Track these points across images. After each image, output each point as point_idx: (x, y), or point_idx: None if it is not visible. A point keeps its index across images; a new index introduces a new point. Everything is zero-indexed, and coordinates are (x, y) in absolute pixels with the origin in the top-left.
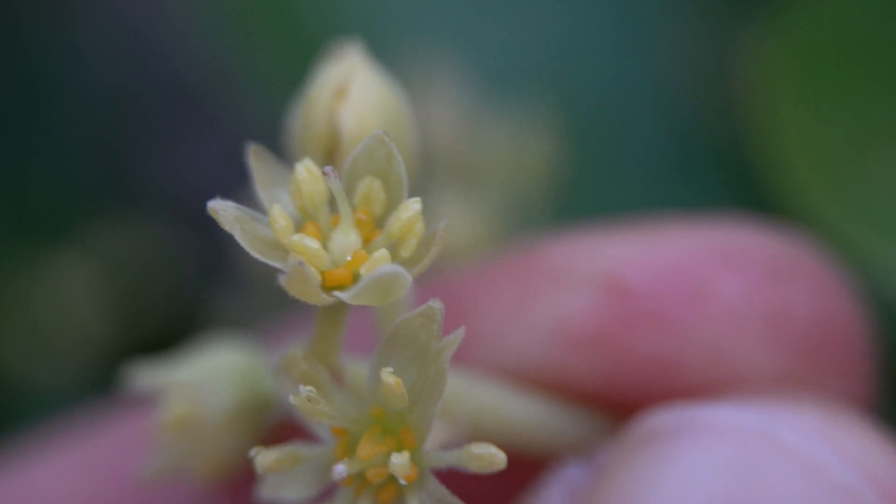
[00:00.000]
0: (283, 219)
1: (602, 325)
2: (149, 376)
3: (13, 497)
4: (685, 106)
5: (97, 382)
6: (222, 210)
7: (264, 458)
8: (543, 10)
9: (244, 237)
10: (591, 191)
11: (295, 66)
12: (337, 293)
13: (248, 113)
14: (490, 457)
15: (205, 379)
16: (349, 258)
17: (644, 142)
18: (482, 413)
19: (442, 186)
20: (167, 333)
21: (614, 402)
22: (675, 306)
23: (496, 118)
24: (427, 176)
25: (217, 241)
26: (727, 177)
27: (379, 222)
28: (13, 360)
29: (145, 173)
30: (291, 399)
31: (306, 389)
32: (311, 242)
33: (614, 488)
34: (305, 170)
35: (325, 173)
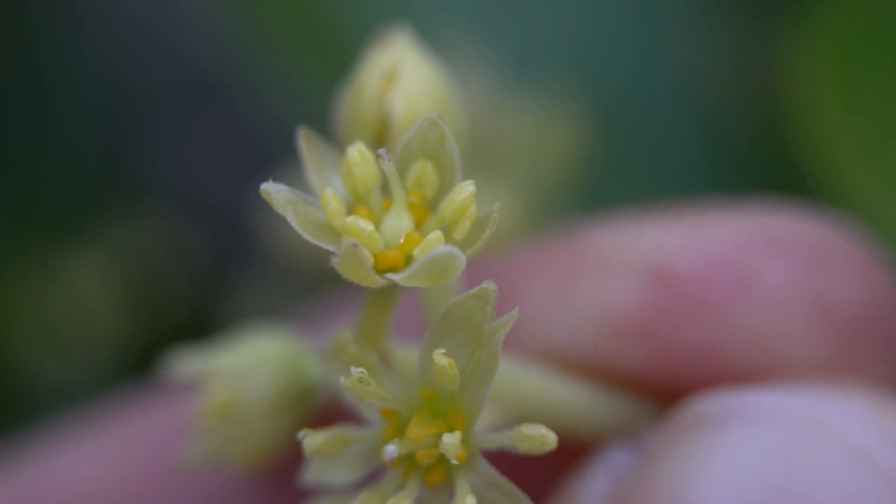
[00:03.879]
0: (335, 201)
1: (648, 313)
2: (189, 363)
3: (42, 482)
4: (711, 95)
5: (113, 378)
6: (275, 193)
7: (312, 439)
8: (571, 1)
9: (296, 220)
10: (617, 178)
11: (306, 59)
12: (390, 275)
13: (259, 105)
14: (541, 437)
15: (246, 366)
16: (402, 240)
17: (669, 130)
18: (528, 397)
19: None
20: (182, 328)
21: (659, 389)
22: (721, 294)
23: (522, 105)
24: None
25: (229, 234)
26: (753, 167)
27: (430, 206)
28: (28, 356)
29: (157, 167)
30: (342, 381)
31: (358, 371)
32: (364, 224)
33: (662, 472)
34: (358, 153)
35: (378, 156)
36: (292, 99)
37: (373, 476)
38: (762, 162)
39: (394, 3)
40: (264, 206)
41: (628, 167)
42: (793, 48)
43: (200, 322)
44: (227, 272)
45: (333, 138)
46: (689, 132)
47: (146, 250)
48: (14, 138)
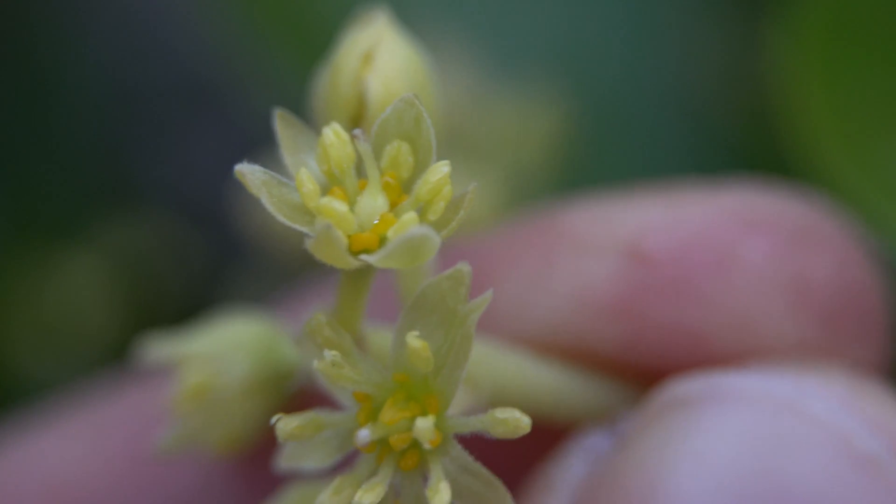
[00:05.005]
0: (310, 182)
1: (625, 293)
2: (163, 348)
3: (14, 470)
4: (698, 90)
5: (101, 376)
6: (249, 174)
7: (285, 424)
8: None
9: (271, 201)
10: (601, 172)
11: (302, 59)
12: (364, 256)
13: (254, 108)
14: (514, 421)
15: (220, 350)
16: (376, 221)
17: (656, 125)
18: (504, 380)
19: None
20: (177, 328)
21: (637, 371)
22: (699, 273)
23: (504, 97)
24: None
25: (224, 236)
26: (739, 162)
27: (406, 186)
28: (22, 356)
29: (152, 169)
30: (315, 364)
31: (331, 354)
32: (338, 205)
33: (638, 456)
34: (333, 133)
35: (354, 136)
36: (287, 102)
37: (347, 461)
38: (749, 157)
39: (385, 2)
40: (242, 189)
41: (613, 163)
42: (779, 42)
43: (193, 321)
44: (223, 273)
45: (311, 120)
46: (675, 127)
47: (141, 252)
48: (10, 141)
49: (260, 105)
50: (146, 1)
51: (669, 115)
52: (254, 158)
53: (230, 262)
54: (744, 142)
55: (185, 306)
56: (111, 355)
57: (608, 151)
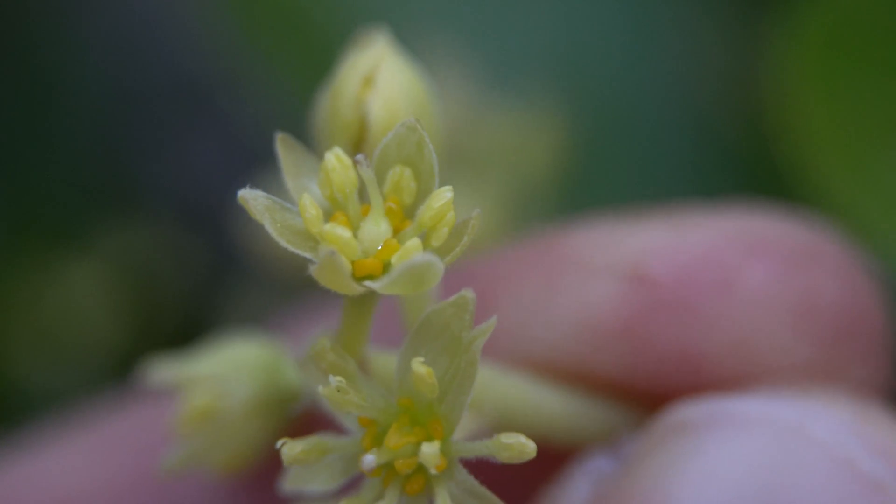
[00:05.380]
0: (313, 208)
1: (628, 316)
2: (168, 370)
3: (20, 486)
4: (697, 97)
5: (108, 385)
6: (252, 199)
7: (290, 448)
8: (554, 4)
9: (273, 227)
10: (601, 182)
11: (302, 64)
12: (368, 283)
13: (255, 112)
14: (520, 446)
15: (225, 372)
16: (380, 248)
17: (655, 133)
18: (508, 404)
19: (449, 176)
20: (178, 334)
21: (640, 394)
22: (702, 296)
23: (503, 109)
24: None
25: (225, 241)
26: (739, 169)
27: (408, 212)
28: (23, 363)
29: (152, 173)
30: (320, 390)
31: (336, 380)
32: (342, 231)
33: (641, 480)
34: (335, 158)
35: (356, 162)
36: (287, 106)
37: (352, 484)
38: (748, 164)
39: (382, 10)
40: (244, 212)
41: (613, 171)
42: (778, 49)
43: (195, 328)
44: (223, 279)
45: (312, 139)
46: (674, 135)
47: (142, 257)
48: (9, 142)
49: (259, 107)
50: (146, 2)
51: (670, 123)
52: (255, 176)
53: (230, 265)
54: (744, 149)
55: (184, 310)
56: (112, 361)
57: (608, 160)
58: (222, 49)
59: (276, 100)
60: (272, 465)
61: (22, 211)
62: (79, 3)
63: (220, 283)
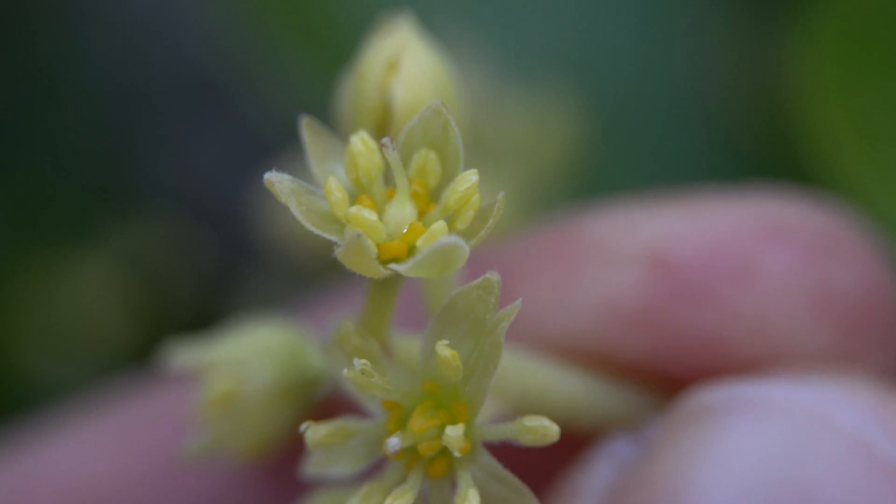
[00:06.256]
0: (339, 191)
1: (649, 301)
2: (189, 354)
3: (37, 474)
4: (712, 94)
5: (118, 381)
6: (278, 182)
7: (314, 432)
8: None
9: (300, 209)
10: (616, 176)
11: (309, 60)
12: (393, 265)
13: (261, 107)
14: (543, 429)
15: (246, 356)
16: (405, 230)
17: (669, 128)
18: (530, 388)
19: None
20: (186, 330)
21: (661, 379)
22: (722, 281)
23: (519, 100)
24: None
25: (232, 235)
26: (754, 166)
27: (433, 195)
28: (32, 359)
29: (159, 169)
30: (345, 373)
31: (360, 363)
32: (368, 214)
33: (663, 463)
34: (361, 142)
35: (382, 145)
36: (294, 100)
37: (375, 468)
38: (764, 161)
39: (396, 2)
40: (266, 197)
41: (628, 166)
42: (794, 47)
43: (204, 323)
44: (232, 274)
45: (335, 127)
46: (689, 131)
47: (149, 253)
48: (16, 142)
49: (264, 104)
50: (147, 1)
51: (683, 119)
52: (267, 162)
53: (238, 261)
54: (757, 146)
55: (193, 305)
56: (122, 358)
57: (622, 155)
58: (227, 45)
59: (282, 93)
60: (294, 450)
61: (31, 209)
62: (79, 2)
63: (228, 277)
